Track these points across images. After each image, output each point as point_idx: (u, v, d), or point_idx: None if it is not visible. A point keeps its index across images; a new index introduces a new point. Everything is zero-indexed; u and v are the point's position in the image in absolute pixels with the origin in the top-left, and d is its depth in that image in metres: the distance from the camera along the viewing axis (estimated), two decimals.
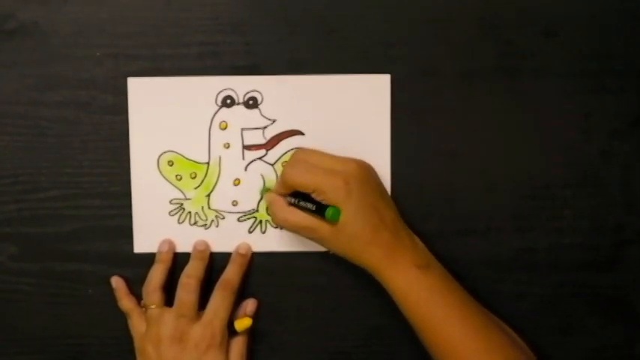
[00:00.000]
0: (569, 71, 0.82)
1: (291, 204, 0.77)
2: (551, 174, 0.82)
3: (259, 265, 0.83)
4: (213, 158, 0.82)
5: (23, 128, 0.81)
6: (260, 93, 0.81)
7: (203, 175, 0.82)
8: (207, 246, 0.82)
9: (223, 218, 0.83)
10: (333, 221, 0.74)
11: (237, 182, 0.82)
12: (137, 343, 0.79)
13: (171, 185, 0.82)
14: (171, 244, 0.82)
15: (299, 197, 0.76)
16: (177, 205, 0.82)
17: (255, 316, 0.83)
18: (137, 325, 0.80)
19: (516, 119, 0.82)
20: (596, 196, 0.82)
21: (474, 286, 0.82)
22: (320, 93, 0.81)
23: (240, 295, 0.82)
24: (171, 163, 0.82)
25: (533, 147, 0.82)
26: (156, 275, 0.80)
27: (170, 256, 0.81)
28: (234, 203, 0.82)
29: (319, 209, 0.74)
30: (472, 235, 0.82)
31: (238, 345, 0.80)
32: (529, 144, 0.82)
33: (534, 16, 0.81)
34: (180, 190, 0.82)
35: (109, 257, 0.82)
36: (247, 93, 0.81)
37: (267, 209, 0.81)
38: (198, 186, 0.82)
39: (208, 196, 0.82)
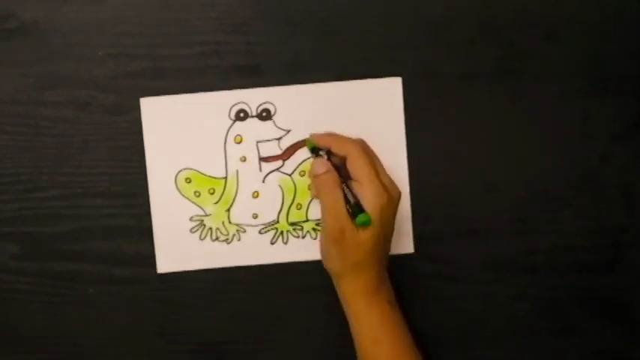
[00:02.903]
0: (568, 74, 0.82)
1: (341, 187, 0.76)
2: (550, 176, 0.82)
3: (259, 265, 0.83)
4: (231, 172, 0.82)
5: (23, 127, 0.81)
6: (273, 104, 0.81)
7: (221, 190, 0.82)
8: None
9: (245, 232, 0.82)
10: (359, 225, 0.74)
11: (255, 195, 0.82)
12: None
13: (190, 202, 0.82)
14: None
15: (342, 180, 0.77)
16: (198, 222, 0.82)
17: (254, 317, 0.83)
18: None
19: (516, 121, 0.82)
20: (595, 198, 0.83)
21: (474, 288, 0.82)
22: (332, 100, 0.81)
23: (239, 296, 0.83)
24: (188, 180, 0.82)
25: (533, 149, 0.82)
26: None
27: None
28: (255, 216, 0.82)
29: (356, 207, 0.74)
30: (472, 237, 0.83)
31: None
32: (529, 146, 0.82)
33: (534, 19, 0.81)
34: (199, 206, 0.82)
35: (108, 257, 0.82)
36: (260, 105, 0.81)
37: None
38: (218, 201, 0.82)
39: (228, 210, 0.82)
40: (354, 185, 0.76)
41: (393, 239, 0.80)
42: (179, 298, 0.83)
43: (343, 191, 0.76)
